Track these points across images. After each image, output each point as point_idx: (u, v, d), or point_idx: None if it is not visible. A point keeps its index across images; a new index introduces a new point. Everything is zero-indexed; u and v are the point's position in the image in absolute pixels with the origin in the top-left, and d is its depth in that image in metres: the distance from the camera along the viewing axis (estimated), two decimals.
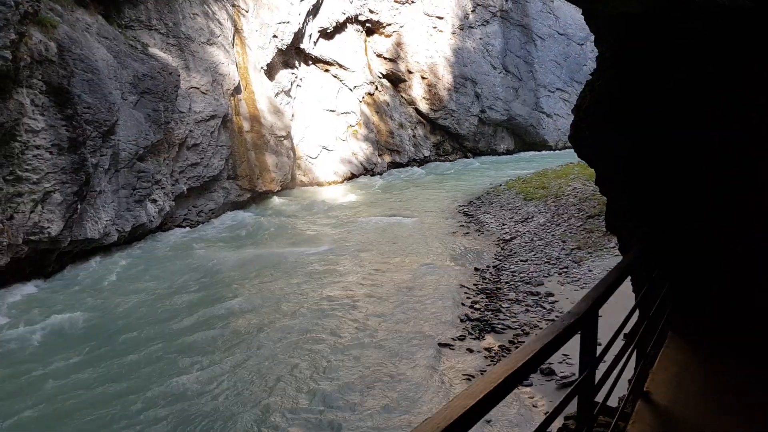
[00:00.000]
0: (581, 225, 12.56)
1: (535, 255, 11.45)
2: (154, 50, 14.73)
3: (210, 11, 17.48)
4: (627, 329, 3.14)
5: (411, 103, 28.88)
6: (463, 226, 14.46)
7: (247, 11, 19.75)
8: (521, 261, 11.21)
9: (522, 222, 13.95)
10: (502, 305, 8.97)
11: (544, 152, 31.07)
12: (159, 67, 14.15)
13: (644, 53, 3.91)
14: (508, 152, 31.16)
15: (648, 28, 3.80)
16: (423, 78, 28.59)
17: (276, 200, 18.70)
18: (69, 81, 11.05)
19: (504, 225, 14.09)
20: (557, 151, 30.91)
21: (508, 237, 13.12)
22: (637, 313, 3.36)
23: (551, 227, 12.91)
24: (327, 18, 24.79)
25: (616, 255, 10.41)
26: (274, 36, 20.92)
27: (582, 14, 4.94)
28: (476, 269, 10.92)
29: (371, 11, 27.39)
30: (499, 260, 11.51)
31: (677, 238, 4.09)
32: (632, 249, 3.81)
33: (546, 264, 10.82)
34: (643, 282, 3.66)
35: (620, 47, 4.17)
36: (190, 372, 6.89)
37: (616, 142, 4.27)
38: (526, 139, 31.86)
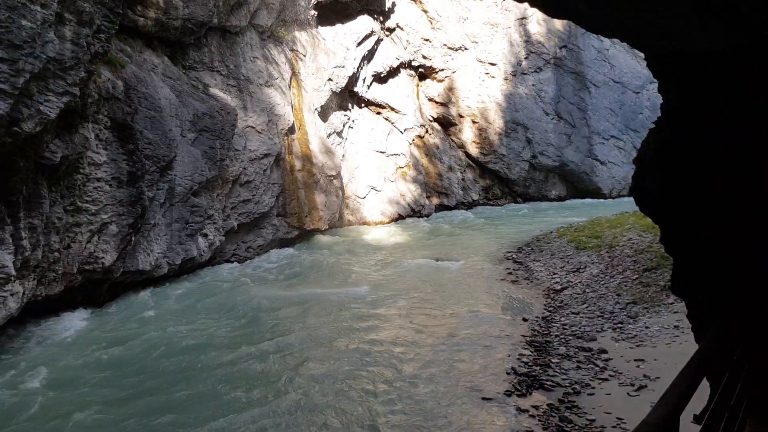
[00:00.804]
0: (637, 278, 12.03)
1: (587, 308, 10.99)
2: (215, 90, 15.26)
3: (270, 55, 18.08)
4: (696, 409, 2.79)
5: (461, 146, 28.86)
6: (511, 273, 14.09)
7: (304, 55, 20.34)
8: (572, 313, 10.77)
9: (574, 272, 13.49)
10: (552, 360, 8.57)
11: (597, 200, 30.27)
12: (218, 106, 14.62)
13: (716, 98, 3.67)
14: (560, 199, 30.51)
15: (722, 70, 3.58)
16: (474, 122, 28.61)
17: (323, 238, 18.78)
18: (133, 117, 11.52)
19: (554, 274, 13.65)
20: (611, 200, 30.08)
21: (559, 287, 12.69)
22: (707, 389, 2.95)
23: (605, 279, 12.41)
24: (381, 63, 25.31)
25: (674, 312, 9.89)
26: (330, 79, 21.43)
27: (645, 58, 4.75)
28: (524, 320, 10.54)
29: (424, 57, 27.82)
30: (549, 311, 11.10)
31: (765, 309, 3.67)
32: (709, 325, 3.43)
33: (599, 318, 10.35)
34: (722, 367, 3.22)
35: (689, 92, 3.96)
36: (235, 409, 6.86)
37: (689, 197, 3.98)
38: (579, 186, 31.19)
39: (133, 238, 11.37)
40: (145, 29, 13.45)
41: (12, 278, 8.87)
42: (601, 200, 30.25)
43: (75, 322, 10.40)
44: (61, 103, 8.73)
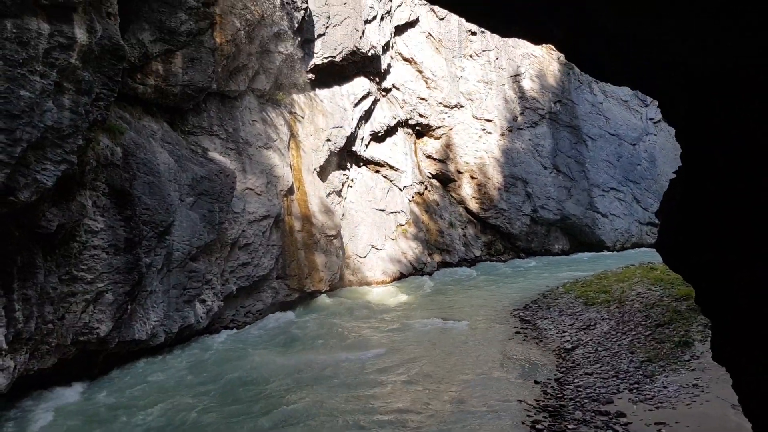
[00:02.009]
0: (650, 334, 11.64)
1: (600, 367, 10.57)
2: (214, 154, 15.28)
3: (268, 118, 18.25)
4: None
5: (461, 202, 28.87)
6: (519, 332, 13.69)
7: (303, 117, 20.56)
8: (586, 374, 10.34)
9: (584, 329, 13.09)
10: (568, 426, 8.12)
11: (601, 253, 30.07)
12: (217, 170, 14.59)
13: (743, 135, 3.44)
14: (563, 253, 30.30)
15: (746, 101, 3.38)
16: (472, 178, 28.73)
17: (324, 300, 18.40)
18: (131, 183, 11.43)
19: (564, 332, 13.25)
20: (615, 252, 29.88)
21: (570, 346, 12.28)
22: None
23: (617, 336, 12.02)
24: (378, 122, 25.64)
25: (692, 370, 9.50)
26: (328, 140, 21.59)
27: (660, 105, 4.62)
28: (536, 382, 10.11)
29: (421, 115, 28.22)
30: (562, 372, 10.66)
31: None
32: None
33: (614, 378, 9.93)
34: None
35: (709, 135, 3.76)
36: None
37: (727, 250, 3.69)
38: (582, 240, 31.03)
39: (129, 307, 11.05)
40: (144, 96, 13.57)
41: (3, 352, 8.53)
42: (605, 253, 30.04)
43: (68, 396, 9.95)
44: (59, 172, 8.63)
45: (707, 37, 3.10)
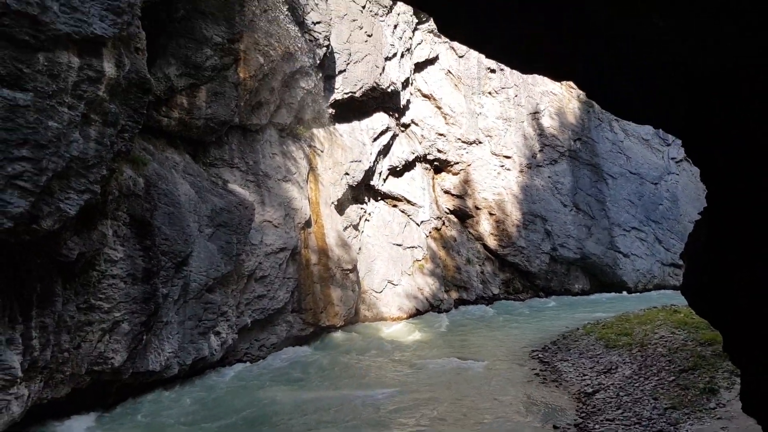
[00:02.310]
0: (674, 380, 11.29)
1: (622, 413, 10.23)
2: (233, 186, 15.41)
3: (288, 151, 18.44)
4: None
5: (478, 238, 28.67)
6: (538, 374, 13.37)
7: (322, 151, 20.74)
8: (607, 420, 10.01)
9: (605, 373, 12.74)
10: None
11: (622, 294, 29.54)
12: (236, 201, 14.68)
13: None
14: (584, 293, 29.79)
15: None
16: (491, 214, 28.58)
17: (338, 336, 18.22)
18: (152, 214, 11.53)
19: (584, 375, 12.91)
20: (636, 294, 29.34)
21: (590, 390, 11.93)
22: None
23: (639, 381, 11.67)
24: (397, 157, 25.78)
25: (718, 418, 9.16)
26: (346, 173, 21.72)
27: (683, 144, 4.56)
28: (555, 427, 9.81)
29: (439, 151, 28.33)
30: (582, 418, 10.33)
31: None
32: None
33: (637, 425, 9.59)
34: None
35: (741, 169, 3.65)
36: None
37: (756, 295, 3.55)
38: (602, 280, 30.52)
39: (144, 337, 11.02)
40: (168, 129, 13.81)
41: (18, 380, 8.51)
42: (627, 294, 29.49)
43: (80, 426, 9.87)
44: (82, 201, 8.72)
45: (707, 37, 3.06)
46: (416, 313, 22.90)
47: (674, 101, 4.13)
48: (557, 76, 5.99)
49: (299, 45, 18.49)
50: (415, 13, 27.03)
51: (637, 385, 11.48)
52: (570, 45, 4.30)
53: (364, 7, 23.27)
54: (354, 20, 22.67)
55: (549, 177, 30.14)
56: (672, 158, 34.61)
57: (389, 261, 23.56)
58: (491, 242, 28.34)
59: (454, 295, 25.72)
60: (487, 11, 4.49)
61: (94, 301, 10.19)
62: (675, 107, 4.17)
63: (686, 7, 2.88)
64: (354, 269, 20.03)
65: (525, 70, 5.94)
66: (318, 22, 19.92)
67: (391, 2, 24.88)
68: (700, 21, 2.93)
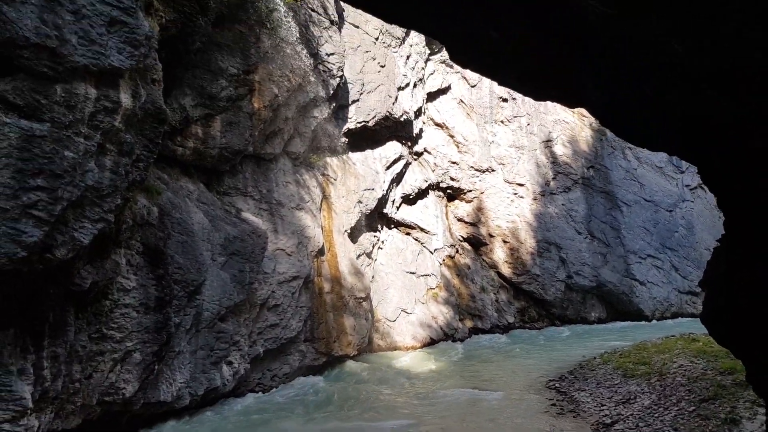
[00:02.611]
0: (694, 410, 10.96)
1: None
2: (247, 214, 15.46)
3: (302, 179, 18.53)
4: None
5: (493, 266, 28.45)
6: (554, 404, 13.06)
7: (335, 179, 20.83)
8: None
9: (623, 403, 12.42)
10: None
11: (639, 323, 29.02)
12: (249, 230, 14.72)
13: None
14: (600, 321, 29.32)
15: None
16: (504, 242, 28.40)
17: (352, 365, 17.99)
18: (165, 243, 11.57)
19: (602, 405, 12.58)
20: (654, 322, 28.81)
21: (609, 421, 11.61)
22: None
23: (659, 411, 11.34)
24: (410, 185, 25.82)
25: None
26: (359, 201, 21.75)
27: (698, 171, 4.50)
28: None
29: (452, 179, 28.35)
30: None
31: None
32: None
33: None
34: None
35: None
36: None
37: None
38: (619, 308, 30.06)
39: (156, 367, 10.95)
40: (183, 158, 13.95)
41: (29, 411, 8.45)
42: (644, 323, 28.98)
43: None
44: (96, 230, 8.77)
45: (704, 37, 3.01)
46: (430, 342, 22.62)
47: (688, 129, 4.08)
48: (570, 103, 5.97)
49: (314, 76, 18.75)
50: (427, 44, 27.37)
51: (656, 415, 11.16)
52: (582, 70, 4.29)
53: (377, 39, 23.60)
54: (367, 51, 22.99)
55: (563, 204, 29.98)
56: (686, 185, 34.32)
57: (403, 289, 23.39)
58: (505, 270, 28.10)
59: (469, 323, 25.40)
60: (495, 42, 4.50)
61: (106, 331, 10.17)
62: (690, 134, 4.12)
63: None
64: (367, 297, 19.89)
65: (537, 97, 5.93)
66: (332, 54, 20.21)
67: (403, 34, 25.22)
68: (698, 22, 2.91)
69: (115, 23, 8.32)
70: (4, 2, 6.93)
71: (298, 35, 17.91)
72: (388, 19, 5.65)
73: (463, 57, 5.38)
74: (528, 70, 4.73)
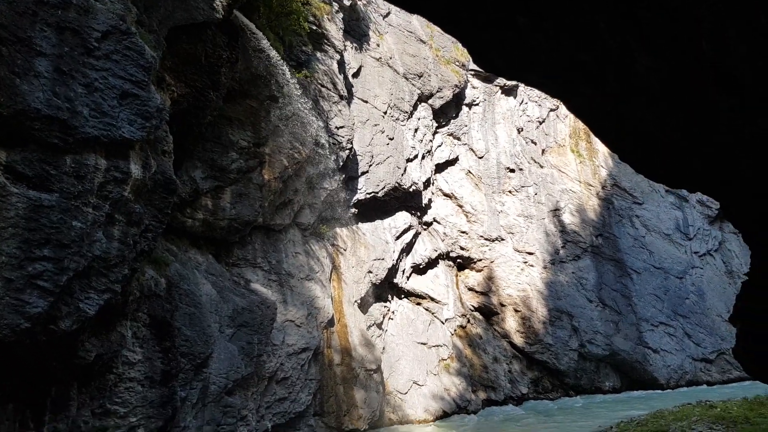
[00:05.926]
0: None
1: None
2: (256, 285, 15.40)
3: (311, 250, 18.56)
4: None
5: (504, 336, 27.88)
6: None
7: (345, 249, 20.85)
8: None
9: None
10: None
11: (654, 391, 28.07)
12: (258, 301, 14.60)
13: None
14: (615, 390, 28.38)
15: None
16: (516, 311, 27.96)
17: None
18: (172, 315, 11.48)
19: None
20: (669, 391, 27.85)
21: None
22: None
23: None
24: (420, 255, 25.74)
25: None
26: (369, 272, 21.66)
27: (720, 207, 4.49)
28: None
29: (462, 248, 28.27)
30: None
31: None
32: None
33: None
34: None
35: None
36: None
37: None
38: (633, 377, 29.17)
39: None
40: (192, 229, 14.06)
41: None
42: (659, 391, 28.05)
43: None
44: (102, 301, 8.73)
45: None
46: (443, 415, 21.85)
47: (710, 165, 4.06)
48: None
49: (323, 149, 19.15)
50: (434, 118, 28.04)
51: None
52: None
53: (385, 113, 24.25)
54: (376, 125, 23.56)
55: (573, 273, 29.71)
56: (695, 252, 34.05)
57: (414, 361, 22.84)
58: (518, 339, 27.51)
59: (482, 395, 24.61)
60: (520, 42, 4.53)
61: (109, 406, 9.94)
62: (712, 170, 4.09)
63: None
64: (378, 369, 19.42)
65: (564, 97, 5.84)
66: (341, 127, 20.72)
67: (411, 108, 25.92)
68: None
69: (127, 96, 8.59)
70: (16, 75, 7.18)
71: (308, 109, 18.46)
72: (412, 9, 5.82)
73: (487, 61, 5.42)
74: (555, 74, 4.78)
